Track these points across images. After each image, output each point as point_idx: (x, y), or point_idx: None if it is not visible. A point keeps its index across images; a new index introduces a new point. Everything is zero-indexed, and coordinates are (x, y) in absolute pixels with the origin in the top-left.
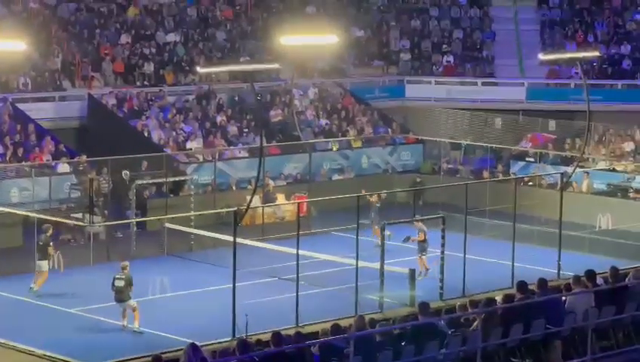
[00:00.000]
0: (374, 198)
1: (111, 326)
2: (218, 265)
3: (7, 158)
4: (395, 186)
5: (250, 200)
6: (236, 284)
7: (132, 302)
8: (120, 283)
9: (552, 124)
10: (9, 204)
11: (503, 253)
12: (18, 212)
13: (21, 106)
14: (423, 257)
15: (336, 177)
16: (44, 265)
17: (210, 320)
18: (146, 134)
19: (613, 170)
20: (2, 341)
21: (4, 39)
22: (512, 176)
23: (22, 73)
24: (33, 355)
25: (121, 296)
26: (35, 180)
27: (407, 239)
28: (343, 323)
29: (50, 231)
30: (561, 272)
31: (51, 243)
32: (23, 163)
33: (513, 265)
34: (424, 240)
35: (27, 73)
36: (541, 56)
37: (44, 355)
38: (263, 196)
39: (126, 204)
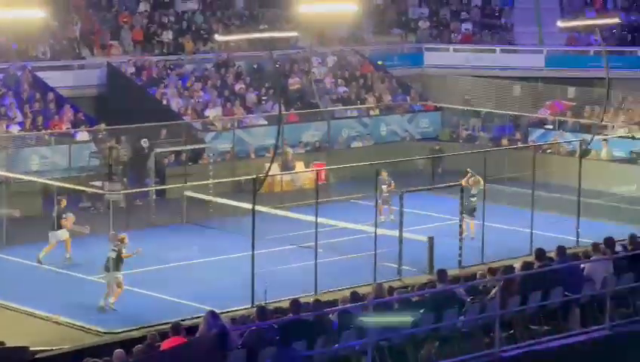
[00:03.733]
0: (384, 175)
1: (131, 293)
2: (237, 233)
3: (27, 126)
4: (414, 154)
5: (269, 168)
6: (255, 252)
7: (119, 276)
8: (112, 254)
9: (571, 91)
10: (29, 172)
11: (522, 220)
12: (38, 180)
13: (40, 74)
14: (473, 221)
15: (354, 145)
16: (52, 235)
17: (229, 288)
18: (164, 102)
19: (632, 137)
20: (21, 308)
21: (23, 7)
22: (531, 144)
23: (41, 41)
24: (54, 322)
25: (108, 265)
26: (54, 148)
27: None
28: (362, 290)
29: (64, 203)
30: (579, 240)
31: (64, 216)
32: (43, 131)
33: (532, 233)
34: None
35: (46, 41)
36: (560, 23)
37: (65, 322)
38: (282, 164)
39: (145, 172)
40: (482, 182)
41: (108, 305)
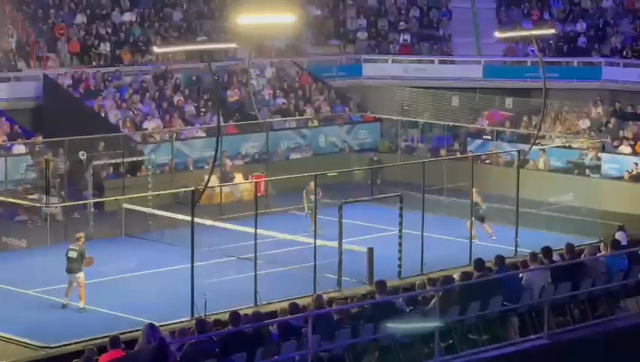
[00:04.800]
0: (311, 186)
1: (68, 307)
2: (176, 245)
3: None
4: (353, 165)
5: (208, 180)
6: (194, 264)
7: (81, 276)
8: (73, 254)
9: (508, 101)
10: None
11: (461, 230)
12: None
13: None
14: (485, 224)
15: (293, 156)
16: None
17: (168, 300)
18: (102, 114)
19: (569, 147)
20: None
21: None
22: (469, 154)
23: None
24: None
25: (72, 266)
26: None
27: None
28: (301, 302)
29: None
30: (518, 249)
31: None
32: None
33: (471, 243)
34: (480, 207)
35: None
36: (497, 34)
37: (1, 336)
38: (221, 175)
39: (83, 185)
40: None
41: (83, 307)
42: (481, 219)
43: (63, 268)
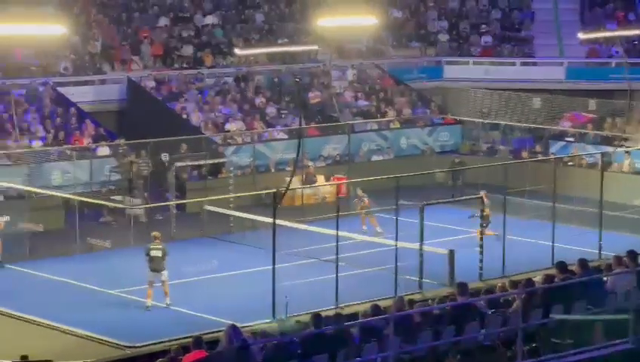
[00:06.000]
0: (360, 192)
1: (152, 307)
2: (257, 247)
3: (49, 141)
4: (434, 167)
5: (290, 182)
6: (276, 266)
7: (166, 274)
8: (157, 253)
9: (591, 103)
10: (51, 186)
11: (543, 233)
12: (59, 195)
13: (62, 90)
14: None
15: (375, 158)
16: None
17: (250, 302)
18: (184, 117)
19: None
20: (45, 321)
21: (44, 24)
22: (552, 156)
23: (62, 57)
24: (75, 336)
25: (158, 265)
26: (75, 163)
27: (473, 216)
28: (383, 304)
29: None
30: (602, 252)
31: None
32: (64, 146)
33: (553, 246)
34: (487, 215)
35: (68, 57)
36: (581, 35)
37: (86, 336)
38: (303, 177)
39: (165, 187)
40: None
41: (169, 304)
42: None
43: (146, 269)
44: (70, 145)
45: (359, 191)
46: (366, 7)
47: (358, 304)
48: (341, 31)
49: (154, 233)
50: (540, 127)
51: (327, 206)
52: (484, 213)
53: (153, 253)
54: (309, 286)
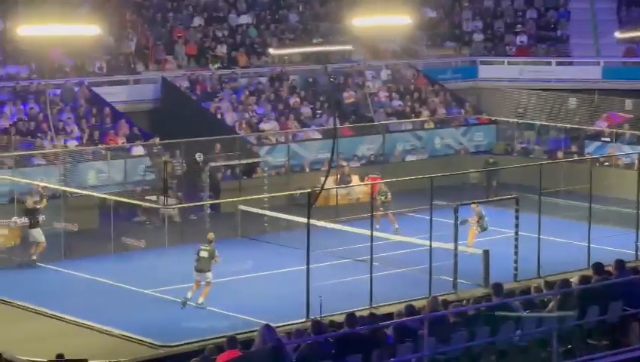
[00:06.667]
0: (382, 186)
1: (185, 308)
2: (292, 247)
3: (84, 141)
4: (469, 167)
5: (324, 182)
6: (310, 266)
7: (210, 275)
8: (204, 254)
9: (628, 103)
10: (86, 186)
11: (579, 234)
12: (94, 194)
13: (97, 90)
14: (476, 232)
15: (409, 158)
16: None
17: (284, 302)
18: (219, 116)
19: None
20: (80, 321)
21: (79, 24)
22: (588, 157)
23: (97, 57)
24: (110, 335)
25: (203, 265)
26: (110, 163)
27: (464, 221)
28: (417, 304)
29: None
30: (638, 253)
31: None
32: (99, 146)
33: (589, 246)
34: (479, 223)
35: (102, 57)
36: (618, 35)
37: (121, 335)
38: (337, 177)
39: (199, 187)
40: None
41: (201, 304)
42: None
43: (181, 269)
44: (105, 145)
45: (383, 186)
46: (400, 7)
47: (393, 304)
48: (375, 31)
49: (208, 234)
50: (576, 127)
51: (362, 206)
52: (479, 224)
53: (201, 253)
54: (343, 287)
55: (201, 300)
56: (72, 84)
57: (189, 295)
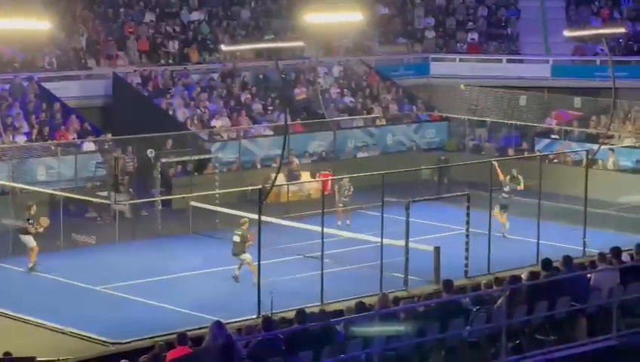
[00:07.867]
0: (345, 181)
1: (135, 304)
2: None
3: (33, 137)
4: (420, 164)
5: (275, 178)
6: (261, 262)
7: (246, 256)
8: (236, 238)
9: (577, 101)
10: (35, 182)
11: (528, 230)
12: (44, 190)
13: (46, 85)
14: (504, 215)
15: (361, 155)
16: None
17: (235, 298)
18: (170, 113)
19: (639, 146)
20: (30, 318)
21: (29, 18)
22: (538, 154)
23: (47, 52)
24: (60, 332)
25: (235, 249)
26: (60, 159)
27: (504, 207)
28: (368, 300)
29: (34, 209)
30: (586, 249)
31: (31, 222)
32: (49, 141)
33: (538, 243)
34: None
35: (52, 52)
36: (566, 33)
37: (71, 332)
38: (288, 174)
39: (151, 183)
40: (521, 185)
41: (255, 281)
42: (503, 208)
43: (132, 265)
44: (55, 141)
45: (346, 181)
46: (352, 4)
47: (344, 301)
48: (327, 27)
49: (243, 219)
50: (526, 124)
51: (313, 202)
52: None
53: (234, 238)
54: (294, 283)
55: (254, 278)
56: (21, 79)
57: (237, 272)
